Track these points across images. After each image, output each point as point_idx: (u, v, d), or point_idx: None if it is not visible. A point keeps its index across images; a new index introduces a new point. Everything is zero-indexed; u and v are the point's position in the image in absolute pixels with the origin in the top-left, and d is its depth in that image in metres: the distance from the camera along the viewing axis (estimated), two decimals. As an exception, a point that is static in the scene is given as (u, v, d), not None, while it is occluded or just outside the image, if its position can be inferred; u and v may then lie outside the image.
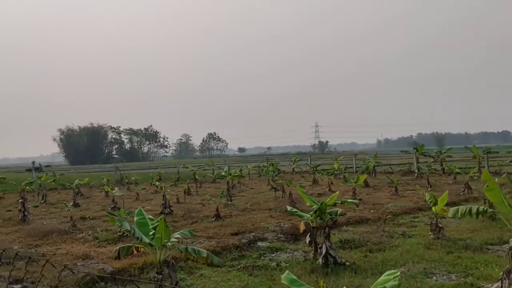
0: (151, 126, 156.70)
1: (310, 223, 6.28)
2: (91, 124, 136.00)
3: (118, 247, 4.53)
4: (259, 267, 6.40)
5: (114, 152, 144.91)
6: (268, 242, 8.01)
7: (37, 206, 13.57)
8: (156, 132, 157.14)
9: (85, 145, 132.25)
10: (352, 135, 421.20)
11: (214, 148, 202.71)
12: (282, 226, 9.73)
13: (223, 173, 16.90)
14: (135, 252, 4.50)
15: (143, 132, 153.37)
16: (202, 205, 15.01)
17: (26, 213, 12.48)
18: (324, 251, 5.98)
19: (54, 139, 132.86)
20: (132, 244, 4.54)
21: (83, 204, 16.45)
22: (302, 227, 6.16)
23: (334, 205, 7.07)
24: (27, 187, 13.03)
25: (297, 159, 33.41)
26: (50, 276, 6.67)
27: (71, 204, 16.17)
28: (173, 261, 4.45)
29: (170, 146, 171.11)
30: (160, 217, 4.58)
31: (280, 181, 16.96)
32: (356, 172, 28.25)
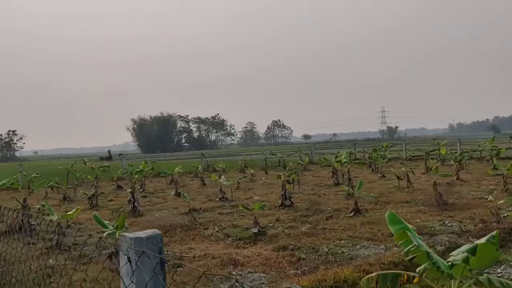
0: (218, 114, 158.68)
1: None
2: (161, 113, 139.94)
3: (374, 274, 2.89)
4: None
5: (183, 141, 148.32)
6: (471, 250, 6.09)
7: (145, 197, 12.58)
8: (223, 120, 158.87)
9: (156, 134, 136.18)
10: (420, 120, 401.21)
11: (279, 135, 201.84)
12: (462, 226, 7.74)
13: (342, 158, 15.00)
14: (404, 282, 2.84)
15: (211, 120, 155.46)
16: (318, 195, 13.33)
17: (136, 204, 11.49)
18: None
19: (128, 129, 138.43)
20: (402, 272, 2.86)
21: (185, 194, 15.38)
22: None
23: None
24: (136, 176, 12.02)
25: (389, 145, 30.69)
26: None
27: (173, 193, 15.25)
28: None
29: (236, 134, 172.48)
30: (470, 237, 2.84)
31: (403, 168, 14.80)
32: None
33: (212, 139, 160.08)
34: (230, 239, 8.05)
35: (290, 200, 11.20)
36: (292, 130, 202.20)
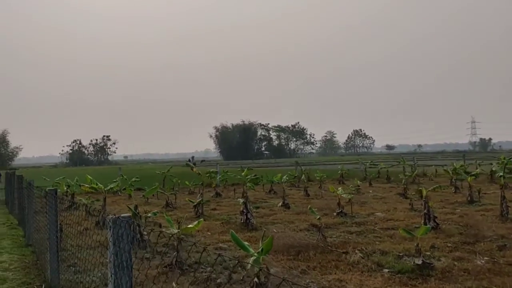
0: (298, 123, 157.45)
1: None
2: (243, 121, 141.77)
3: None
4: None
5: (263, 149, 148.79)
6: None
7: (258, 207, 11.29)
8: (303, 129, 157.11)
9: (237, 141, 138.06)
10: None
11: (360, 145, 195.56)
12: None
13: (477, 170, 12.61)
14: None
15: (291, 129, 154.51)
16: (459, 216, 11.09)
17: (249, 216, 10.21)
18: None
19: (210, 136, 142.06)
20: None
21: (292, 206, 13.90)
22: None
23: None
24: (248, 185, 10.75)
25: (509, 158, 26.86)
26: None
27: (280, 204, 13.86)
28: None
29: (316, 143, 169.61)
30: None
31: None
32: None
33: (292, 147, 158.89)
34: (387, 270, 6.33)
35: (435, 221, 9.20)
36: (374, 140, 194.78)
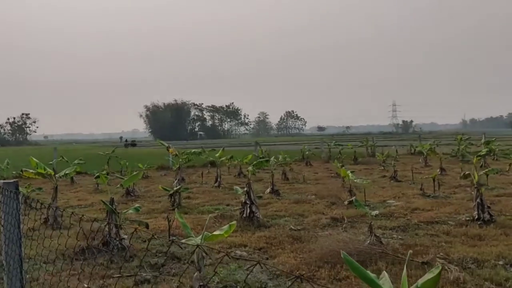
0: (232, 103, 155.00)
1: None
2: (175, 101, 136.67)
3: None
4: None
5: (196, 129, 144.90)
6: None
7: (260, 197, 8.98)
8: (238, 110, 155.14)
9: (169, 121, 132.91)
10: (429, 114, 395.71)
11: (292, 126, 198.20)
12: None
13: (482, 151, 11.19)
14: None
15: (225, 109, 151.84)
16: (490, 203, 9.60)
17: (254, 208, 7.91)
18: None
19: (141, 115, 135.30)
20: None
21: (280, 192, 11.76)
22: None
23: None
24: (250, 169, 8.33)
25: (464, 137, 26.73)
26: None
27: (269, 191, 11.65)
28: None
29: (250, 124, 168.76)
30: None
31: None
32: None
33: (226, 128, 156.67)
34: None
35: (489, 213, 7.55)
36: (306, 122, 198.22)
